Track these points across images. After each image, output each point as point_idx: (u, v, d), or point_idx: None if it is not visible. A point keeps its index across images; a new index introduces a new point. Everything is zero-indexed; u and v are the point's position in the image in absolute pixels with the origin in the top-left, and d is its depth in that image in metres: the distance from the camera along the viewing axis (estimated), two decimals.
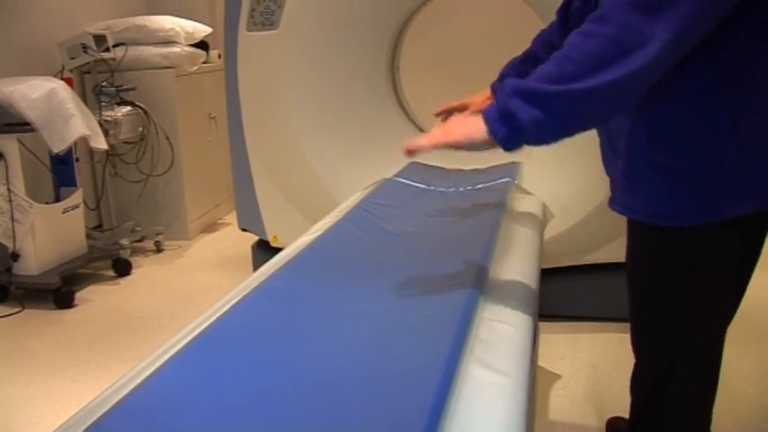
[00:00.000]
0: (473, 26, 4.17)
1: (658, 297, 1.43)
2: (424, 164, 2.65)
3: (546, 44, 1.74)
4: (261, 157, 3.00)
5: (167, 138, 4.17)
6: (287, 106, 2.86)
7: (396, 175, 2.47)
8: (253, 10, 2.87)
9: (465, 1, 3.47)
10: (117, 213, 4.25)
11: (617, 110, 1.22)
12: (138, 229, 4.22)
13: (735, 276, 1.39)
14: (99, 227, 4.31)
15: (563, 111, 1.11)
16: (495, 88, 1.83)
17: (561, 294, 2.76)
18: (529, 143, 1.15)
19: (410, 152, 1.27)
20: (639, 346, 1.54)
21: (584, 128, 1.17)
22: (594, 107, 1.13)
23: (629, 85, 1.10)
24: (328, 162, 2.84)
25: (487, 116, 1.16)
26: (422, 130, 3.06)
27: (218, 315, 1.27)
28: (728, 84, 1.19)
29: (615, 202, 1.43)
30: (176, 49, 4.23)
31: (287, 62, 2.83)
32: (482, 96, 1.86)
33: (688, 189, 1.26)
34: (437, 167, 2.65)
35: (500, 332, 1.20)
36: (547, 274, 2.00)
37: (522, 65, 1.76)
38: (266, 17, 2.85)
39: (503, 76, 1.81)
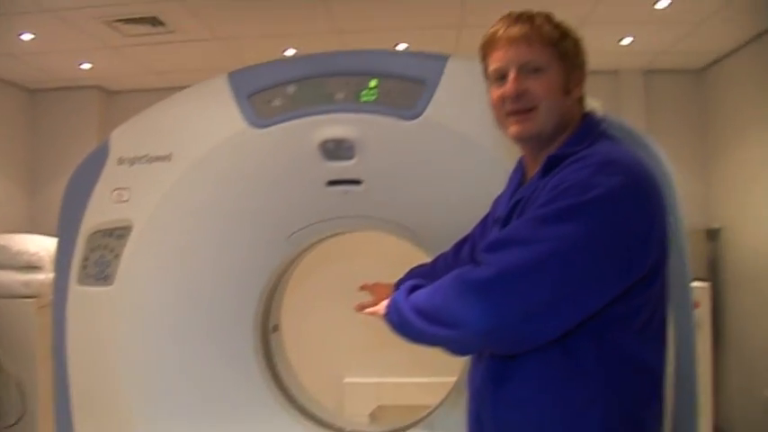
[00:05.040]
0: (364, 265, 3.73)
1: None
2: None
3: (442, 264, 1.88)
4: None
5: (17, 384, 3.46)
6: (122, 385, 2.21)
7: None
8: (86, 259, 2.28)
9: (356, 242, 2.98)
10: None
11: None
12: None
13: None
14: None
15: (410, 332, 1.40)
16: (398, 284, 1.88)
17: None
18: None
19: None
20: None
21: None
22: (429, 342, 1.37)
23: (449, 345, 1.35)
24: None
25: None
26: (304, 412, 2.44)
27: None
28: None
29: None
30: (41, 276, 3.63)
31: (122, 329, 2.21)
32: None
33: None
34: None
35: None
36: None
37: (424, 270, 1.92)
38: (100, 269, 2.25)
39: (407, 275, 1.93)
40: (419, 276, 1.81)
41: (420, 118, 2.00)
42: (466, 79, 1.90)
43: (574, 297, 1.22)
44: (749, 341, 4.08)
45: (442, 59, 2.04)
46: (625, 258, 1.23)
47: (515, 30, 1.40)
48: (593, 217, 1.21)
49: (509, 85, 1.39)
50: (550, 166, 1.36)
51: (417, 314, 1.37)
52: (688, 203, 4.43)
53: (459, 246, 1.83)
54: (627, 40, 4.02)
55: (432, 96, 2.00)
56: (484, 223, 1.71)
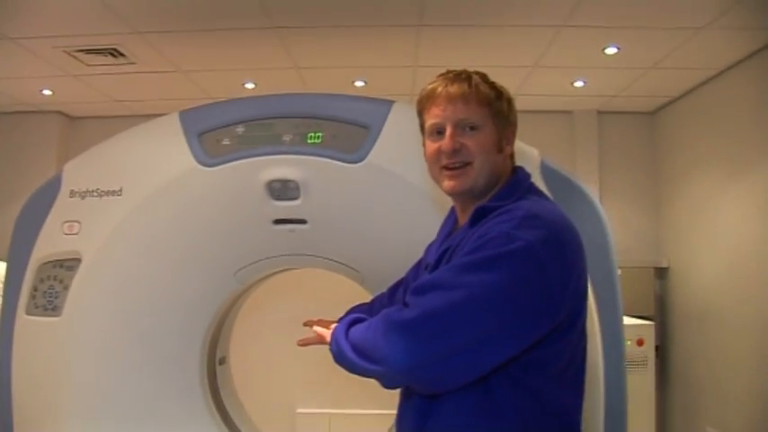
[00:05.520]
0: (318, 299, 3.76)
1: None
2: None
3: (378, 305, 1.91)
4: None
5: None
6: (67, 417, 2.22)
7: None
8: (35, 289, 2.30)
9: (304, 277, 3.02)
10: None
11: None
12: None
13: None
14: None
15: (346, 364, 1.46)
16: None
17: None
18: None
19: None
20: None
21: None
22: (361, 374, 1.43)
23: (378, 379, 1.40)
24: None
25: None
26: None
27: None
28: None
29: None
30: None
31: (69, 360, 2.23)
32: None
33: None
34: None
35: None
36: None
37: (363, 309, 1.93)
38: (49, 300, 2.27)
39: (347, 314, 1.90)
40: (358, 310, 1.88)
41: (363, 162, 2.06)
42: (409, 125, 1.96)
43: (491, 341, 1.29)
44: (694, 379, 4.15)
45: (386, 105, 2.11)
46: (542, 307, 1.30)
47: (454, 88, 1.47)
48: (513, 267, 1.28)
49: (446, 141, 1.47)
50: (478, 217, 1.43)
51: (351, 347, 1.44)
52: (637, 242, 4.61)
53: (394, 288, 1.90)
54: (579, 83, 4.12)
55: (375, 141, 2.07)
56: (417, 268, 1.77)
